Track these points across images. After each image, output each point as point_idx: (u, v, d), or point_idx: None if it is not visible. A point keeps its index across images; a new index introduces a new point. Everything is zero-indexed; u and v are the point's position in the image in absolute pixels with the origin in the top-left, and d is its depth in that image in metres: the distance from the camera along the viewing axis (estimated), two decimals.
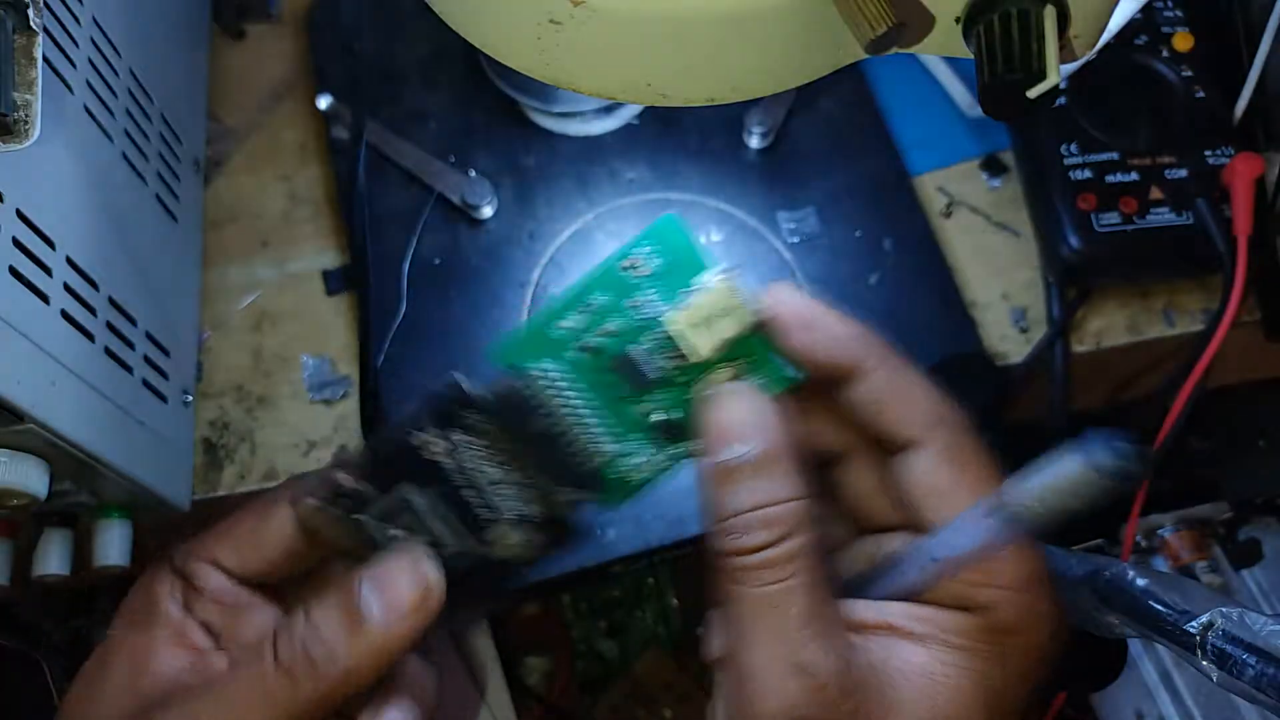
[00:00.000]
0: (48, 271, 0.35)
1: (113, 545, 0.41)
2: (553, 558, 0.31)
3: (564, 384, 0.30)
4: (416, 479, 0.30)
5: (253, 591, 0.33)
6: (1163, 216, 0.46)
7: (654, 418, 0.30)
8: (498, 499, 0.30)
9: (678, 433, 0.30)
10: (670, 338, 0.29)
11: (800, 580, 0.27)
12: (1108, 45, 0.48)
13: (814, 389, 0.30)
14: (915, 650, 0.27)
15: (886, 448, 0.30)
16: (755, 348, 0.29)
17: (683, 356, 0.29)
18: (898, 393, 0.29)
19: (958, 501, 0.28)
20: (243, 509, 0.33)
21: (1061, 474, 0.25)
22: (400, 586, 0.29)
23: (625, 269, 0.30)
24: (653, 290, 0.30)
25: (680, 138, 0.51)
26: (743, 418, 0.28)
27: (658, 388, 0.30)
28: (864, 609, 0.28)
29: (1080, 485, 0.25)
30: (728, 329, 0.29)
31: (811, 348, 0.29)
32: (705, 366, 0.30)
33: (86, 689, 0.31)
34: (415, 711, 0.31)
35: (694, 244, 0.30)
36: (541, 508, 0.30)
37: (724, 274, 0.29)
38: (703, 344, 0.29)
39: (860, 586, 0.30)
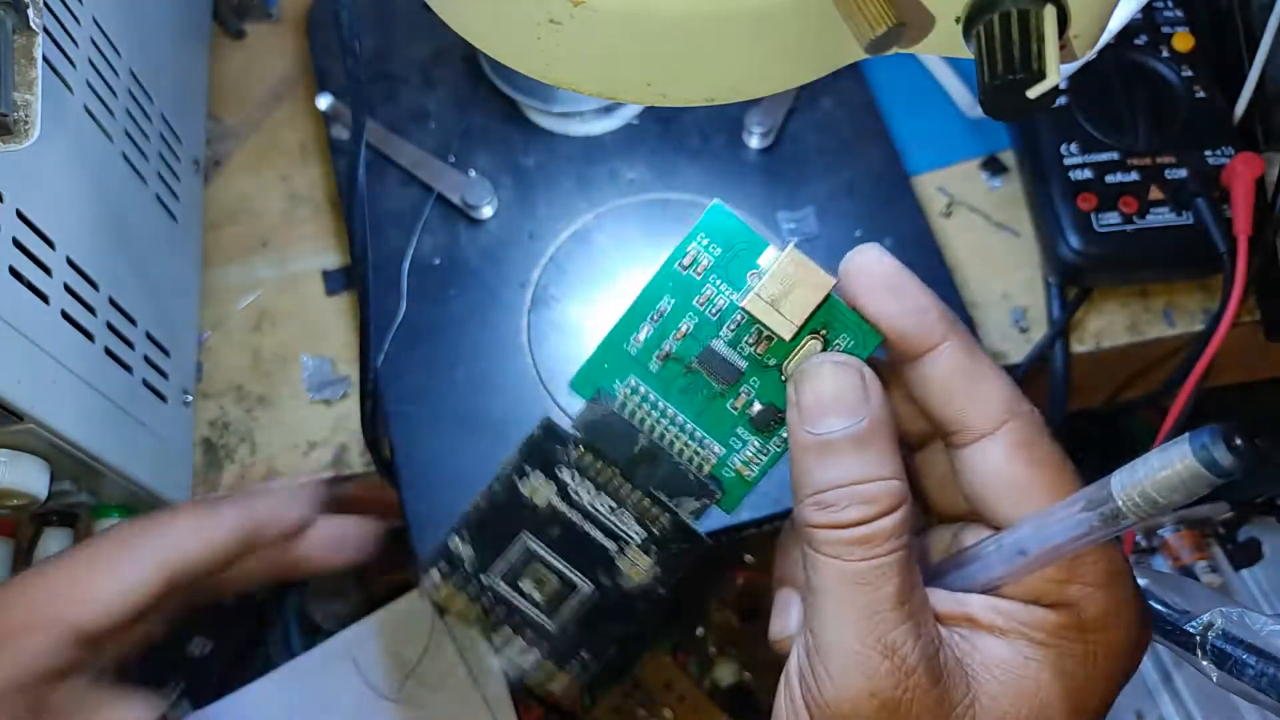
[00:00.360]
0: (48, 271, 0.35)
1: None
2: (686, 575, 0.30)
3: (654, 397, 0.30)
4: (533, 528, 0.30)
5: (79, 650, 0.30)
6: (1163, 216, 0.46)
7: (755, 408, 0.30)
8: (621, 527, 0.30)
9: (781, 417, 0.30)
10: (750, 322, 0.29)
11: (896, 559, 0.26)
12: (1108, 45, 0.48)
13: (890, 371, 0.29)
14: (998, 644, 0.27)
15: (954, 436, 0.29)
16: (837, 315, 0.29)
17: (767, 339, 0.29)
18: (972, 377, 0.28)
19: (1035, 496, 0.27)
20: (94, 551, 0.31)
21: (1171, 469, 0.24)
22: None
23: (685, 268, 0.30)
24: (719, 280, 0.30)
25: (680, 138, 0.51)
26: (844, 390, 0.27)
27: (749, 376, 0.30)
28: (943, 600, 0.28)
29: (1190, 482, 0.24)
30: (808, 299, 0.28)
31: (894, 315, 0.28)
32: (793, 343, 0.29)
33: None
34: None
35: (747, 226, 0.30)
36: (668, 528, 0.30)
37: (791, 246, 0.29)
38: (787, 319, 0.28)
39: (938, 576, 0.29)
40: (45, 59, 0.33)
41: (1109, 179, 0.47)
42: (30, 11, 0.31)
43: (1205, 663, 0.29)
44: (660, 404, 0.30)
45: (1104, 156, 0.47)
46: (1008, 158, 0.53)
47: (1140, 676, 0.60)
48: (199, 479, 0.47)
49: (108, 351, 0.39)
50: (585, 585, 0.30)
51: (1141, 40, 0.50)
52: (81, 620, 0.30)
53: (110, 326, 0.39)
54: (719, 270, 0.30)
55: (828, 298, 0.28)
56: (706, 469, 0.30)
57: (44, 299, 0.34)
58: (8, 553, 0.39)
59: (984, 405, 0.28)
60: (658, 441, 0.30)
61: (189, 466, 0.46)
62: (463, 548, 0.30)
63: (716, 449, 0.30)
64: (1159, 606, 0.31)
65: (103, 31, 0.41)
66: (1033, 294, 0.50)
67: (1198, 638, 0.30)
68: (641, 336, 0.30)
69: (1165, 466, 0.24)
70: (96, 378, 0.37)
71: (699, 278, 0.30)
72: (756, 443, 0.30)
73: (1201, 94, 0.49)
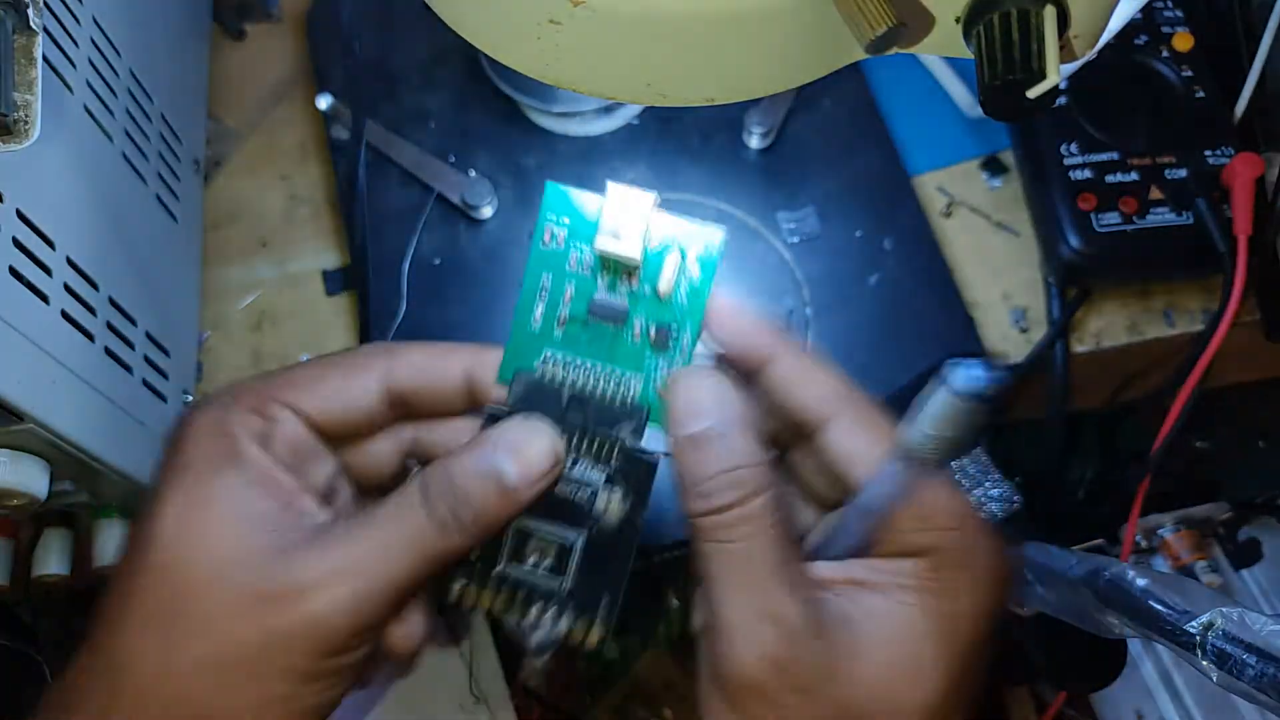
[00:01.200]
0: (48, 271, 0.35)
1: (112, 545, 0.41)
2: (648, 507, 0.33)
3: (568, 358, 0.34)
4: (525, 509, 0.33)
5: (318, 440, 0.33)
6: (1163, 216, 0.46)
7: (652, 332, 0.34)
8: (585, 477, 0.33)
9: (675, 331, 0.34)
10: (610, 262, 0.33)
11: (768, 535, 0.30)
12: (1108, 45, 0.48)
13: (751, 387, 0.33)
14: (875, 597, 0.30)
15: (806, 428, 0.32)
16: (681, 232, 0.33)
17: (630, 271, 0.34)
18: (806, 373, 0.32)
19: (876, 461, 0.31)
20: (323, 363, 0.34)
21: (935, 407, 0.28)
22: (533, 453, 0.31)
23: (548, 244, 0.34)
24: (578, 243, 0.34)
25: (680, 138, 0.51)
26: (704, 395, 0.31)
27: (634, 309, 0.34)
28: (827, 569, 0.31)
29: (951, 413, 0.28)
30: (638, 218, 0.33)
31: (734, 337, 0.33)
32: (654, 266, 0.33)
33: (180, 524, 0.30)
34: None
35: (579, 193, 0.34)
36: (618, 459, 0.33)
37: (609, 184, 0.33)
38: (630, 241, 0.32)
39: (820, 552, 0.33)
40: (45, 59, 0.33)
41: (1109, 179, 0.47)
42: (30, 11, 0.31)
43: (1205, 663, 0.29)
44: (576, 361, 0.34)
45: (1104, 156, 0.47)
46: (1008, 158, 0.53)
47: (1140, 676, 0.60)
48: None
49: (108, 351, 0.39)
50: (578, 538, 0.33)
51: (1141, 40, 0.50)
52: (315, 411, 0.32)
53: (110, 326, 0.39)
54: (574, 235, 0.34)
55: (656, 213, 0.33)
56: (634, 396, 0.34)
57: (44, 299, 0.34)
58: (8, 552, 0.39)
59: (819, 394, 0.32)
60: (585, 389, 0.34)
61: None
62: (470, 550, 0.32)
63: (636, 379, 0.34)
64: (1159, 606, 0.32)
65: (103, 32, 0.41)
66: (1033, 294, 0.50)
67: (1198, 638, 0.30)
68: (538, 314, 0.34)
69: (931, 403, 0.28)
70: (96, 378, 0.37)
71: (562, 248, 0.34)
72: (664, 361, 0.34)
73: (1201, 94, 0.49)
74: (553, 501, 0.33)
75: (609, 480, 0.33)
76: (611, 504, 0.33)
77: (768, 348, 0.33)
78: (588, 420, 0.33)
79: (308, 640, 0.28)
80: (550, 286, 0.34)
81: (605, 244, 0.33)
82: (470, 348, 0.34)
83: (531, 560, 0.33)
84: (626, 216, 0.33)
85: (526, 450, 0.31)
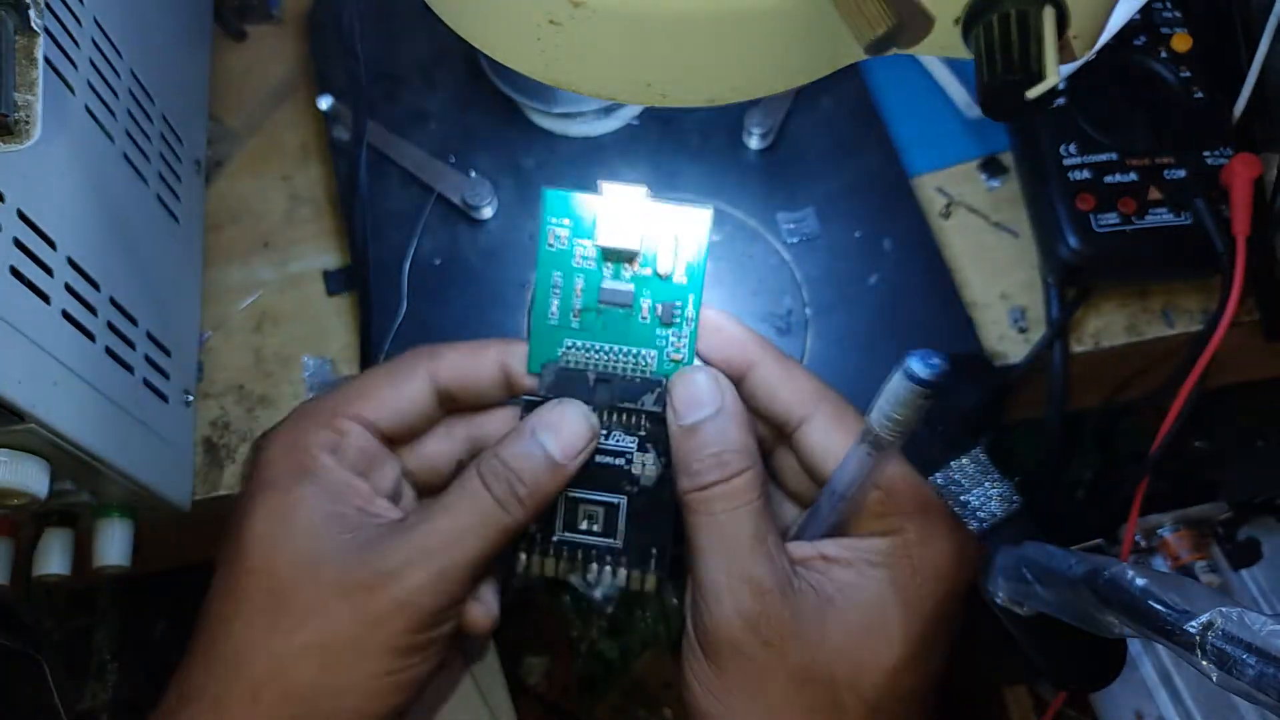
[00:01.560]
0: (49, 272, 0.35)
1: (113, 545, 0.41)
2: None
3: (588, 343, 0.38)
4: (572, 482, 0.36)
5: (382, 446, 0.37)
6: (1161, 217, 0.46)
7: (659, 309, 0.38)
8: (620, 445, 0.37)
9: (679, 308, 0.38)
10: (612, 252, 0.37)
11: (749, 509, 0.34)
12: (1106, 46, 0.48)
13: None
14: (845, 570, 0.34)
15: (786, 428, 0.36)
16: (668, 217, 0.37)
17: (632, 256, 0.37)
18: (785, 377, 0.36)
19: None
20: (376, 373, 0.38)
21: (891, 393, 0.31)
22: (570, 430, 0.35)
23: (553, 245, 0.38)
24: (580, 239, 0.37)
25: (680, 138, 0.52)
26: (700, 389, 0.35)
27: (640, 291, 0.38)
28: (803, 548, 0.35)
29: (905, 395, 0.30)
30: (633, 209, 0.36)
31: (719, 347, 0.37)
32: (652, 250, 0.37)
33: (270, 531, 0.33)
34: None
35: (575, 196, 0.37)
36: (646, 425, 0.37)
37: (601, 184, 0.37)
38: (629, 236, 0.37)
39: (797, 535, 0.37)
40: (46, 60, 0.33)
41: (1108, 179, 0.47)
42: (31, 12, 0.31)
43: (1205, 662, 0.29)
44: (595, 345, 0.38)
45: (1102, 157, 0.47)
46: (1006, 158, 0.53)
47: (1140, 676, 0.60)
48: (200, 479, 0.47)
49: (109, 351, 0.39)
50: (621, 500, 0.37)
51: (1140, 41, 0.50)
52: (377, 418, 0.36)
53: (111, 326, 0.39)
54: (576, 233, 0.37)
55: (649, 201, 0.37)
56: (651, 369, 0.38)
57: (45, 299, 0.34)
58: (8, 552, 0.39)
59: (798, 396, 0.36)
60: (607, 368, 0.38)
61: (190, 466, 0.46)
62: (530, 525, 0.36)
63: (650, 353, 0.38)
64: (1158, 606, 0.32)
65: (104, 32, 0.41)
66: (1031, 294, 0.50)
67: (1197, 637, 0.30)
68: (554, 308, 0.38)
69: (890, 388, 0.31)
70: (97, 378, 0.37)
71: (566, 247, 0.38)
72: (673, 333, 0.38)
73: (1200, 95, 0.49)
74: (595, 472, 0.37)
75: (641, 446, 0.37)
76: (646, 466, 0.37)
77: (749, 355, 0.36)
78: (614, 395, 0.37)
79: (400, 619, 0.32)
80: (561, 283, 0.38)
81: (606, 238, 0.36)
82: (500, 342, 0.38)
83: (584, 525, 0.37)
84: (622, 210, 0.36)
85: (564, 429, 0.35)
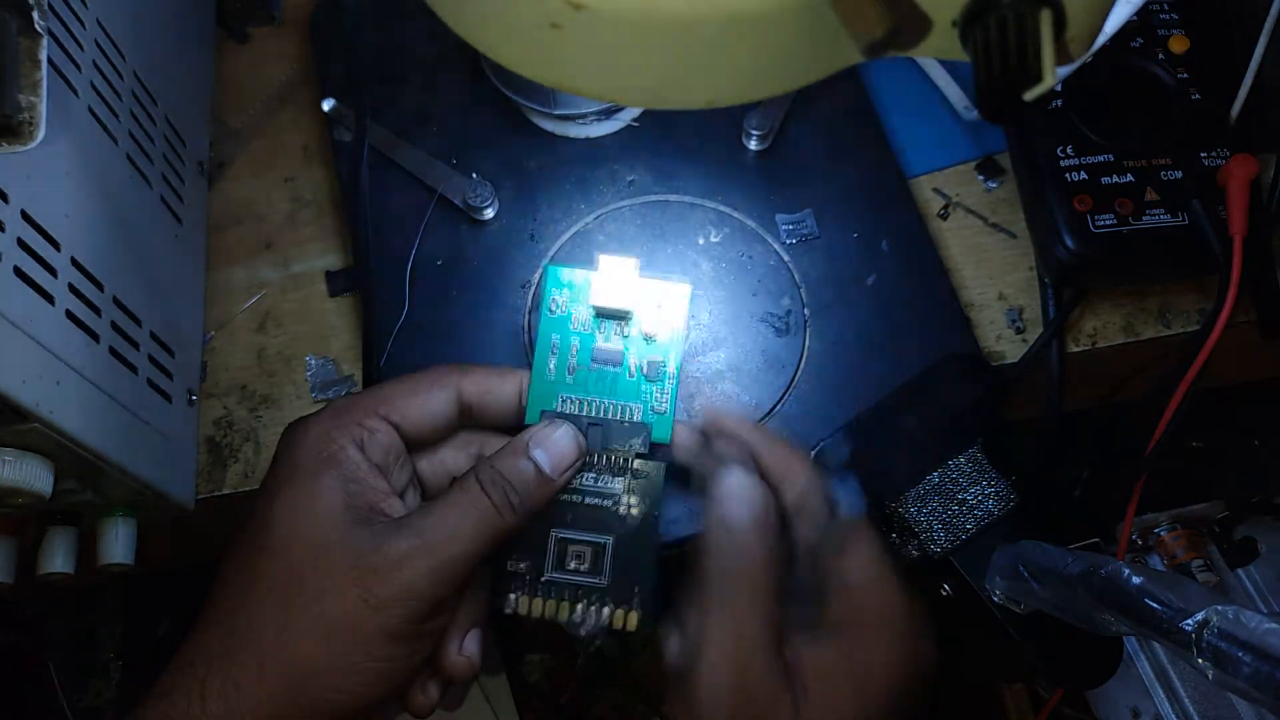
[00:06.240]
0: (53, 272, 0.35)
1: (117, 543, 0.41)
2: (662, 506, 0.41)
3: (581, 396, 0.42)
4: (555, 523, 0.40)
5: (404, 448, 0.39)
6: (1158, 218, 0.47)
7: (645, 367, 0.42)
8: (607, 488, 0.40)
9: (661, 364, 0.42)
10: (605, 314, 0.42)
11: (761, 589, 0.36)
12: (1103, 47, 0.48)
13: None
14: (809, 648, 0.37)
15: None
16: (655, 288, 0.43)
17: (623, 317, 0.42)
18: (782, 468, 0.39)
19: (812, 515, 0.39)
20: (409, 380, 0.40)
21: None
22: (561, 446, 0.39)
23: (554, 312, 0.43)
24: (577, 306, 0.43)
25: (679, 140, 0.52)
26: (743, 488, 0.38)
27: (627, 350, 0.42)
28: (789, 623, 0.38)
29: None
30: (626, 277, 0.42)
31: (722, 432, 0.41)
32: (639, 315, 0.43)
33: (293, 513, 0.36)
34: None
35: (572, 271, 0.43)
36: (631, 470, 0.40)
37: (598, 256, 0.42)
38: (621, 297, 0.42)
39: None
40: (50, 61, 0.33)
41: (1104, 180, 0.47)
42: (35, 14, 0.31)
43: (1201, 660, 0.30)
44: (588, 399, 0.42)
45: (1099, 158, 0.47)
46: (1004, 159, 0.53)
47: (1136, 674, 0.60)
48: (203, 478, 0.47)
49: (113, 351, 0.39)
50: (608, 540, 0.40)
51: (1137, 43, 0.50)
52: (404, 421, 0.39)
53: (115, 327, 0.39)
54: (573, 301, 0.43)
55: (638, 272, 0.42)
56: (637, 419, 0.41)
57: (49, 299, 0.34)
58: (12, 551, 0.39)
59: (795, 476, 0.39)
60: (601, 419, 0.41)
61: (193, 466, 0.46)
62: (520, 565, 0.39)
63: (636, 405, 0.42)
64: (1154, 604, 0.32)
65: (107, 34, 0.41)
66: (1029, 294, 0.50)
67: (1193, 636, 0.30)
68: (552, 365, 0.42)
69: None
70: (101, 377, 0.37)
71: (565, 312, 0.43)
72: (657, 388, 0.42)
73: (1197, 96, 0.49)
74: (584, 513, 0.40)
75: (627, 489, 0.40)
76: (632, 508, 0.40)
77: (755, 451, 0.40)
78: (606, 438, 0.41)
79: (400, 607, 0.34)
80: (559, 344, 0.42)
81: (600, 300, 0.42)
82: (522, 372, 0.41)
83: (572, 564, 0.39)
84: (615, 278, 0.42)
85: (554, 446, 0.39)
